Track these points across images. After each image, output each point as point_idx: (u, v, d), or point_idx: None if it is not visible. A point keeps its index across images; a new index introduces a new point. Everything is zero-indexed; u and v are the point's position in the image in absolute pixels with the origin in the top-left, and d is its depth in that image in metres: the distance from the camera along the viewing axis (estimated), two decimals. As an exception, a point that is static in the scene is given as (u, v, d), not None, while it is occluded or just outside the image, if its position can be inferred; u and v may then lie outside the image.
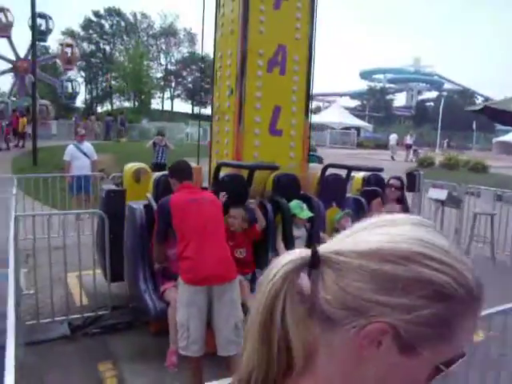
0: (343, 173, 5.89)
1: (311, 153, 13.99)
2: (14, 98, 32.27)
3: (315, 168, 6.13)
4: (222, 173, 4.88)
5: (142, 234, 4.31)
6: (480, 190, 8.87)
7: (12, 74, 31.51)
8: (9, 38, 30.30)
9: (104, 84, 49.82)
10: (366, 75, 72.41)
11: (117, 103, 51.04)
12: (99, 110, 48.96)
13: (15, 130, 23.20)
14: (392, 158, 27.46)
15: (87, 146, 10.11)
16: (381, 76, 71.98)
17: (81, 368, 4.29)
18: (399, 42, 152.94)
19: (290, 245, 4.87)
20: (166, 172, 4.50)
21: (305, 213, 4.93)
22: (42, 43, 36.37)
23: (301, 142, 5.54)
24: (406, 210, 5.77)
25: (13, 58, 30.86)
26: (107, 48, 50.66)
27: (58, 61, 34.75)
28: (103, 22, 50.15)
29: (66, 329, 4.98)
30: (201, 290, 3.49)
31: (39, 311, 4.91)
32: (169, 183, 3.98)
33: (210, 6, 5.45)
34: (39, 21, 31.22)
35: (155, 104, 52.13)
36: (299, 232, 5.01)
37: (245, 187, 4.87)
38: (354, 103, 71.71)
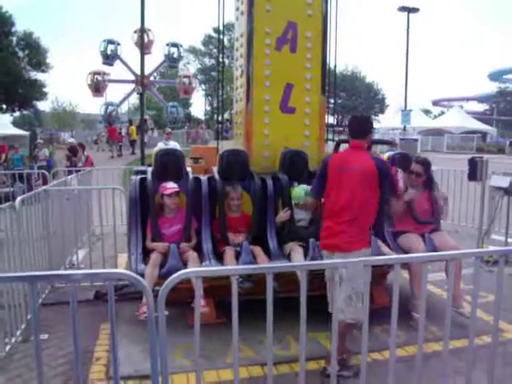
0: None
1: (392, 148, 13.47)
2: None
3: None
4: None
5: (135, 203, 4.62)
6: None
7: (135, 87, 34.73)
8: (150, 54, 34.47)
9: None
10: (495, 76, 67.04)
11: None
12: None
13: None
14: None
15: (173, 143, 12.12)
16: (512, 76, 66.51)
17: (86, 326, 4.66)
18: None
19: (291, 227, 4.84)
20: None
21: None
22: (174, 69, 40.31)
23: (317, 119, 5.46)
24: (431, 199, 5.35)
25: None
26: (226, 61, 53.25)
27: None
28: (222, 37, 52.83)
29: (91, 295, 5.46)
30: (327, 256, 3.76)
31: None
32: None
33: None
34: (172, 49, 35.57)
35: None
36: (302, 214, 4.93)
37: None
38: (482, 107, 66.99)
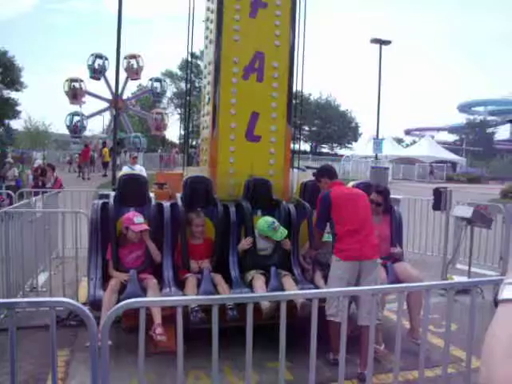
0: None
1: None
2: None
3: (301, 175, 6.05)
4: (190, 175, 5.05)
5: (96, 227, 4.56)
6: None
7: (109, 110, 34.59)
8: (139, 79, 36.03)
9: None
10: (464, 108, 69.25)
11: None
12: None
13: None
14: None
15: (139, 167, 11.92)
16: (481, 108, 68.57)
17: (41, 352, 4.55)
18: (503, 71, 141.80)
19: (253, 255, 4.84)
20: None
21: (279, 234, 4.78)
22: (158, 103, 41.27)
23: (282, 148, 5.53)
24: (391, 224, 5.41)
25: (109, 97, 34.20)
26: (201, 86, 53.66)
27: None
28: (199, 62, 53.32)
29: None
30: (351, 266, 4.20)
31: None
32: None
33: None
34: (155, 84, 36.35)
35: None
36: (265, 243, 4.92)
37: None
38: (452, 138, 68.80)
